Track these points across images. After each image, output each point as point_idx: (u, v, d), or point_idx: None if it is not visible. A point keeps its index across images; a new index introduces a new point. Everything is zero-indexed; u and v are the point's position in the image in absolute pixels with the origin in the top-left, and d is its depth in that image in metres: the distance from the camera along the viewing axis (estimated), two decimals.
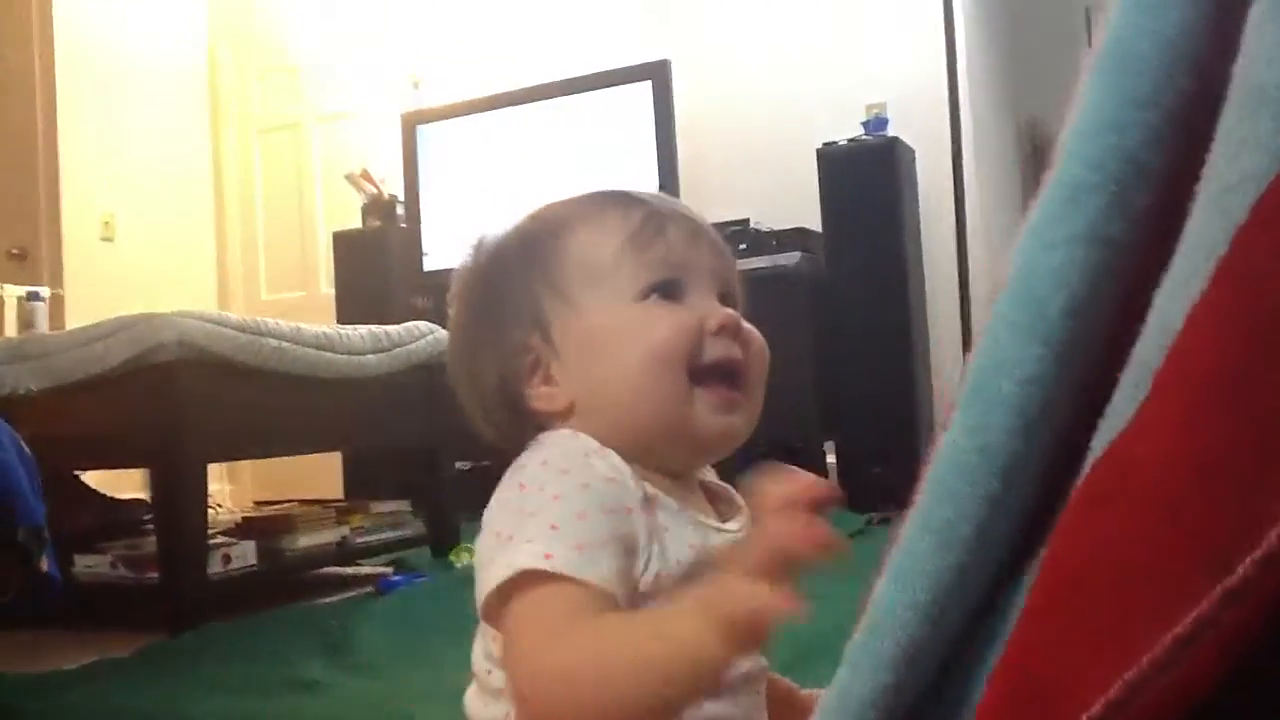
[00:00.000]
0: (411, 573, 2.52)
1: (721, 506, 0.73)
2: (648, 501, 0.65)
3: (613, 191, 0.74)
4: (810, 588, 1.95)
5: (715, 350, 0.67)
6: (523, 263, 0.71)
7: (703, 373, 0.67)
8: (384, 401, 2.60)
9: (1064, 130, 0.42)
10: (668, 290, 0.68)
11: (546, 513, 0.60)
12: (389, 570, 2.67)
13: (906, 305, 3.78)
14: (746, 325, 0.70)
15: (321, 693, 1.64)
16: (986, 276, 4.08)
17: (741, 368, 0.69)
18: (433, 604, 2.22)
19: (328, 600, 2.41)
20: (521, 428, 0.71)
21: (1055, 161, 0.42)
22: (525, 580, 0.59)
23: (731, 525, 0.70)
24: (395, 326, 2.66)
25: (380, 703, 1.55)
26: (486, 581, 0.61)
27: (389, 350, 2.58)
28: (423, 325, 2.72)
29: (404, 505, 2.87)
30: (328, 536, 2.61)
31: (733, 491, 0.75)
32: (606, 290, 0.68)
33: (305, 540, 2.53)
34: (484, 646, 0.68)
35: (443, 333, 2.72)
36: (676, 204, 0.73)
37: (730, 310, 0.69)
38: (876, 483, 3.68)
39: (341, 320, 4.41)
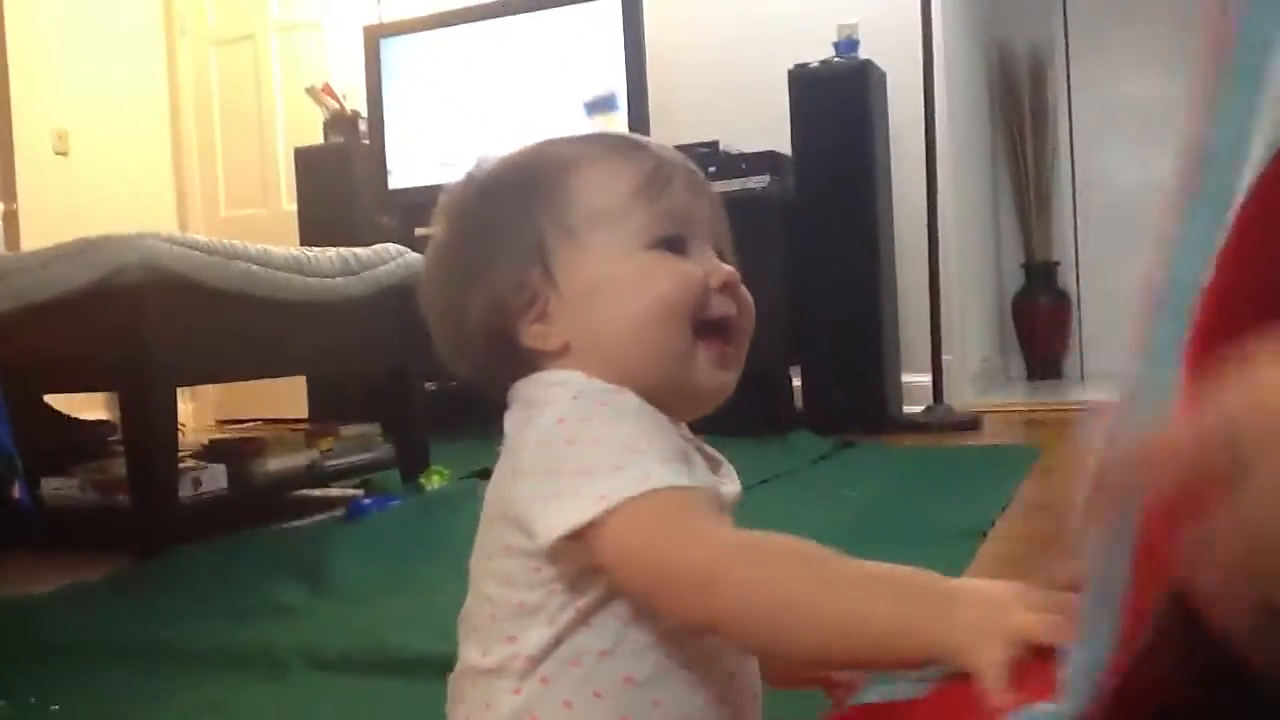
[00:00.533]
0: (382, 495, 2.52)
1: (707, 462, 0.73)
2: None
3: (617, 135, 0.74)
4: (773, 508, 1.96)
5: (717, 307, 0.68)
6: (525, 194, 0.69)
7: (704, 328, 0.68)
8: (353, 325, 2.57)
9: (1196, 132, 0.42)
10: (673, 244, 0.68)
11: (612, 441, 0.60)
12: (359, 493, 2.67)
13: (875, 229, 3.78)
14: (741, 285, 0.71)
15: (297, 618, 1.65)
16: (953, 201, 4.09)
17: (736, 324, 0.70)
18: (406, 528, 2.23)
19: (298, 524, 2.41)
20: (502, 365, 0.70)
21: (1193, 169, 0.42)
22: (635, 505, 0.58)
23: (727, 483, 0.70)
24: (364, 249, 2.63)
25: (357, 628, 1.55)
26: (565, 516, 0.59)
27: (358, 273, 2.55)
28: (392, 248, 2.69)
29: (373, 428, 2.86)
30: (298, 460, 2.61)
31: (712, 449, 0.74)
32: (615, 234, 0.68)
33: (275, 464, 2.52)
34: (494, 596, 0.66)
35: (413, 256, 2.69)
36: (677, 154, 0.73)
37: (731, 268, 0.70)
38: (841, 407, 3.73)
39: (304, 238, 4.36)
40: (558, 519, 0.59)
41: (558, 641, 0.62)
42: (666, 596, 0.59)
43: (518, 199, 0.70)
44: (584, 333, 0.67)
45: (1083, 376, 5.34)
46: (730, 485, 0.70)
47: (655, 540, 0.58)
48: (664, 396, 0.67)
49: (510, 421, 0.68)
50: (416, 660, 1.36)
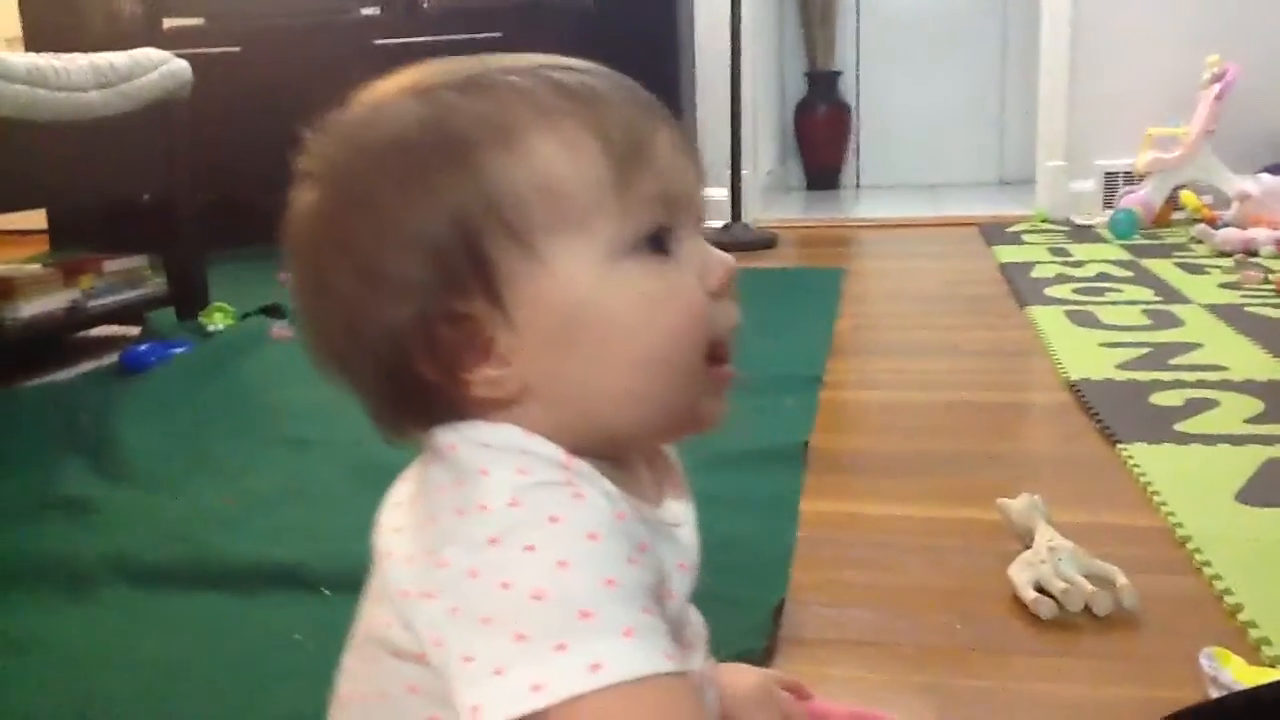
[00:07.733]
0: (160, 342, 2.24)
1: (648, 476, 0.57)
2: (647, 528, 0.49)
3: (568, 78, 0.51)
4: None
5: (721, 321, 0.52)
6: (451, 180, 0.47)
7: (710, 352, 0.52)
8: (110, 145, 2.22)
9: None
10: (658, 241, 0.50)
11: (559, 595, 0.43)
12: (133, 333, 2.38)
13: (674, 37, 3.60)
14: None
15: (93, 513, 1.40)
16: (749, 10, 3.94)
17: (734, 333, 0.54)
18: (195, 383, 1.98)
19: (64, 378, 2.12)
20: (411, 410, 0.51)
21: None
22: (580, 703, 0.42)
23: (675, 513, 0.55)
24: (121, 55, 2.25)
25: (169, 527, 1.35)
26: (496, 704, 0.42)
27: (115, 85, 2.19)
28: (153, 54, 2.32)
29: (140, 261, 2.54)
30: (56, 301, 2.27)
31: (679, 468, 0.59)
32: (583, 239, 0.48)
33: (29, 308, 2.19)
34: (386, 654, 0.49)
35: (178, 64, 2.34)
36: (647, 98, 0.52)
37: (726, 256, 0.52)
38: None
39: (30, 35, 3.79)
40: (487, 703, 0.42)
41: None
42: None
43: (441, 187, 0.47)
44: (548, 379, 0.49)
45: (858, 185, 5.43)
46: (679, 525, 0.55)
47: None
48: (654, 439, 0.56)
49: (419, 477, 0.51)
50: (246, 571, 1.19)
